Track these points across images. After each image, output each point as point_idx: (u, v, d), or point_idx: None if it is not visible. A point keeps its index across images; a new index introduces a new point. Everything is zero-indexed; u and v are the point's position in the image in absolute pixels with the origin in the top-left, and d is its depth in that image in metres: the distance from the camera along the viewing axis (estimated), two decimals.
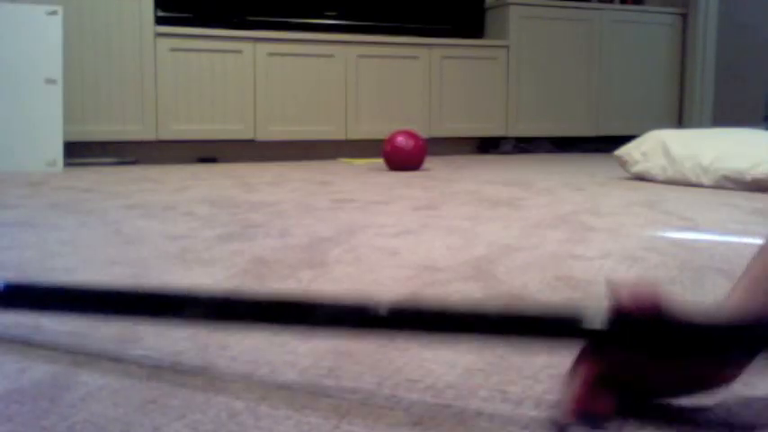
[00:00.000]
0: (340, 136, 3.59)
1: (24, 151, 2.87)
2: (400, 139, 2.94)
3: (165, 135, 3.27)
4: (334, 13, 3.65)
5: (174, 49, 3.25)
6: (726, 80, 4.30)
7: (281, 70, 3.44)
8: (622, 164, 2.60)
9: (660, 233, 1.45)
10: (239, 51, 3.36)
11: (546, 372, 0.66)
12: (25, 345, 0.74)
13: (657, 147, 2.47)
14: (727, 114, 4.23)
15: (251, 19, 3.47)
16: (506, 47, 3.88)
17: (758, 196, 2.06)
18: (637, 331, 0.50)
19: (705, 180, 2.29)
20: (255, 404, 0.59)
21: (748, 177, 2.17)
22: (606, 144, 4.04)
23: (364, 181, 2.51)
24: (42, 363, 0.69)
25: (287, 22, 3.54)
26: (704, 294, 0.95)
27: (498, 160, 3.55)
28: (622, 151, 2.61)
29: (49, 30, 2.91)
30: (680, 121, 4.31)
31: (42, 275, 1.06)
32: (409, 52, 3.69)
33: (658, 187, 2.32)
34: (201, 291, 0.66)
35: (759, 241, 1.35)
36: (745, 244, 1.33)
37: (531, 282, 1.02)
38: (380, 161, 3.07)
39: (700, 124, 4.20)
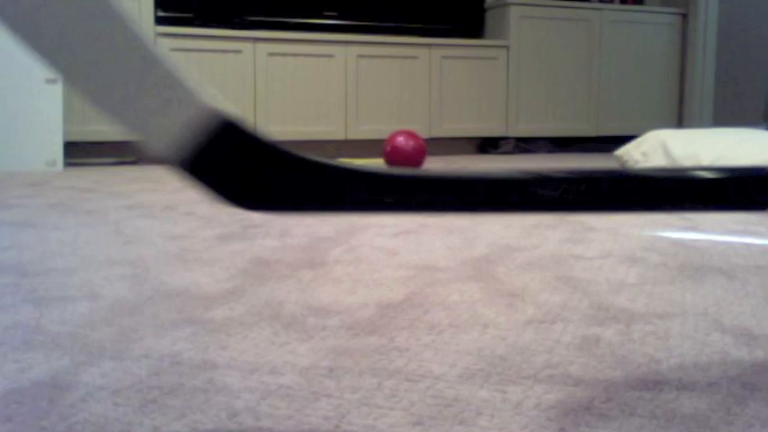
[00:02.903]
0: (340, 136, 3.59)
1: (24, 151, 2.87)
2: (400, 140, 2.94)
3: None
4: (334, 13, 3.65)
5: (173, 49, 3.25)
6: (726, 80, 4.30)
7: (281, 70, 3.44)
8: (622, 164, 2.60)
9: (660, 233, 1.45)
10: (239, 51, 3.36)
11: (546, 372, 0.66)
12: (25, 345, 0.74)
13: (657, 147, 2.47)
14: (727, 114, 4.23)
15: (251, 19, 3.47)
16: (506, 47, 3.88)
17: None
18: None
19: None
20: (255, 404, 0.59)
21: None
22: (606, 144, 4.04)
23: None
24: (42, 363, 0.69)
25: (287, 22, 3.54)
26: (704, 294, 0.95)
27: (498, 160, 3.55)
28: (622, 151, 2.61)
29: None
30: (680, 121, 4.31)
31: (42, 275, 1.06)
32: (409, 52, 3.69)
33: None
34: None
35: (759, 241, 1.35)
36: (745, 244, 1.33)
37: (531, 282, 1.02)
38: (380, 161, 3.07)
39: (700, 124, 4.20)
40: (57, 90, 2.91)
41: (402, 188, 0.55)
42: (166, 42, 3.22)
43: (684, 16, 4.28)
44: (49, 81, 2.90)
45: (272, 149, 0.53)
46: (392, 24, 3.75)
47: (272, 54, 3.41)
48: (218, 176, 0.52)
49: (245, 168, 0.53)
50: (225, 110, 0.52)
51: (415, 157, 2.94)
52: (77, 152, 3.14)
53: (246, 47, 3.36)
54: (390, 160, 2.94)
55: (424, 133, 3.58)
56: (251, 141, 0.53)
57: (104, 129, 3.17)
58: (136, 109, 0.50)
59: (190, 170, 0.52)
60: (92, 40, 0.48)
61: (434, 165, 3.17)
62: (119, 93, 0.50)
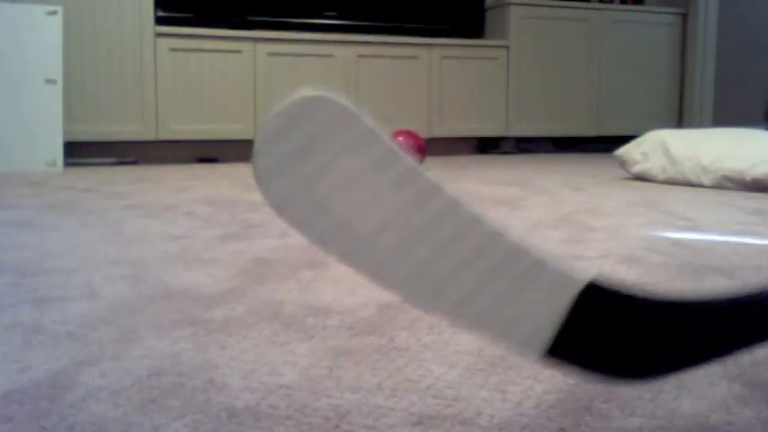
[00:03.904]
0: None
1: (24, 151, 2.87)
2: (400, 140, 2.94)
3: (165, 135, 3.27)
4: (333, 13, 3.64)
5: (174, 49, 3.25)
6: (726, 80, 4.30)
7: (281, 70, 3.44)
8: (622, 164, 2.60)
9: (660, 233, 1.45)
10: (239, 51, 3.36)
11: (546, 372, 0.66)
12: (25, 345, 0.74)
13: (657, 147, 2.47)
14: (728, 114, 4.23)
15: (251, 19, 3.47)
16: (506, 47, 3.88)
17: (758, 196, 2.06)
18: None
19: (705, 180, 2.29)
20: (255, 404, 0.59)
21: (748, 177, 2.17)
22: (606, 144, 4.04)
23: None
24: (42, 363, 0.69)
25: (287, 22, 3.54)
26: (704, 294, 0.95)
27: (498, 160, 3.55)
28: (622, 151, 2.61)
29: (48, 30, 2.91)
30: (680, 121, 4.31)
31: (42, 275, 1.06)
32: (409, 52, 3.69)
33: (658, 187, 2.32)
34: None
35: (759, 241, 1.35)
36: (745, 244, 1.33)
37: None
38: None
39: (700, 124, 4.20)
40: (57, 90, 2.91)
41: None
42: (166, 42, 3.22)
43: (684, 16, 4.28)
44: (48, 81, 2.90)
45: (652, 306, 0.46)
46: (392, 24, 3.75)
47: (272, 54, 3.41)
48: (596, 352, 0.45)
49: (623, 336, 0.45)
50: (592, 275, 0.45)
51: (415, 157, 2.94)
52: (77, 152, 3.14)
53: (246, 47, 3.36)
54: None
55: (424, 133, 3.58)
56: (622, 303, 0.45)
57: (104, 129, 3.17)
58: (480, 299, 0.44)
59: (561, 355, 0.45)
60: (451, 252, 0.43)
61: (434, 164, 3.17)
62: (483, 298, 0.44)
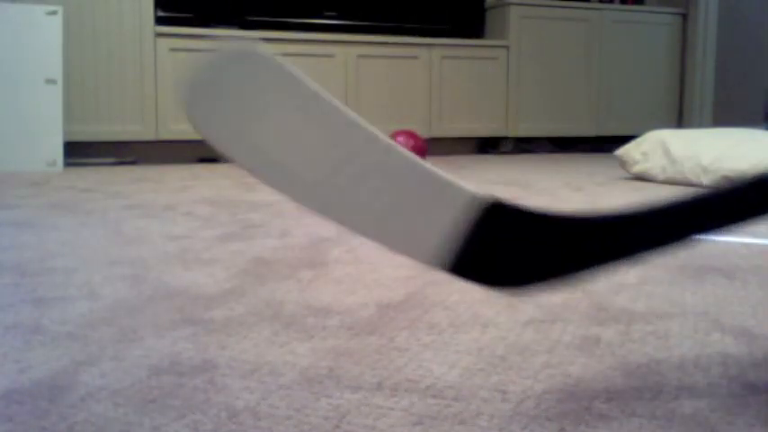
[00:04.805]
0: None
1: (24, 151, 2.87)
2: (400, 140, 2.94)
3: (165, 135, 3.27)
4: (334, 13, 3.65)
5: (174, 49, 3.25)
6: (726, 80, 4.30)
7: None
8: (622, 164, 2.60)
9: None
10: None
11: (546, 372, 0.66)
12: (25, 345, 0.74)
13: (657, 147, 2.47)
14: (727, 114, 4.23)
15: (251, 19, 3.47)
16: (506, 47, 3.88)
17: None
18: None
19: (705, 180, 2.29)
20: (255, 404, 0.59)
21: None
22: (606, 144, 4.04)
23: None
24: (42, 363, 0.69)
25: (287, 22, 3.54)
26: (704, 294, 0.95)
27: (498, 160, 3.55)
28: (622, 151, 2.61)
29: (48, 30, 2.91)
30: (680, 121, 4.31)
31: (42, 275, 1.06)
32: (409, 52, 3.69)
33: (658, 187, 2.32)
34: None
35: (759, 241, 1.35)
36: (745, 244, 1.33)
37: None
38: None
39: (700, 124, 4.20)
40: (57, 90, 2.91)
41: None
42: (166, 42, 3.22)
43: (684, 16, 4.28)
44: (49, 81, 2.90)
45: (554, 220, 0.49)
46: (392, 24, 3.75)
47: None
48: (499, 267, 0.48)
49: (527, 250, 0.48)
50: (487, 194, 0.48)
51: None
52: (77, 152, 3.14)
53: None
54: None
55: (424, 133, 3.58)
56: (526, 218, 0.48)
57: (104, 129, 3.17)
58: (396, 218, 0.48)
59: (463, 270, 0.48)
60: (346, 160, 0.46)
61: (434, 164, 3.16)
62: (378, 206, 0.47)
